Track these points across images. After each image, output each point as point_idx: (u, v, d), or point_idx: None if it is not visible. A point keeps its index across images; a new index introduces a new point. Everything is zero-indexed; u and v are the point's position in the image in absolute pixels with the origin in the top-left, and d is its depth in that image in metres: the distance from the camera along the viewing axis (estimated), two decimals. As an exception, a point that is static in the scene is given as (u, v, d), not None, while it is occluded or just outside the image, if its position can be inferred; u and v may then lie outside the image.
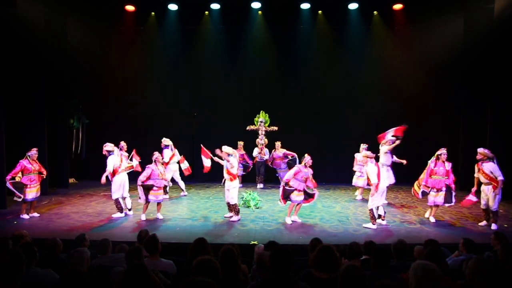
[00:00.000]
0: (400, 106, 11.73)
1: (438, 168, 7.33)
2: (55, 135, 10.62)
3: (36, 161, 7.79)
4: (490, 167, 6.88)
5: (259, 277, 3.72)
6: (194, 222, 7.45)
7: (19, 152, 7.89)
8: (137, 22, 11.89)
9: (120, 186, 7.82)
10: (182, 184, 9.97)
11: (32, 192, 7.60)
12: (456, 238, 6.00)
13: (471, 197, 7.24)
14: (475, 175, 7.20)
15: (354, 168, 9.62)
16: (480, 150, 7.09)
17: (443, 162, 7.36)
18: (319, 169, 10.37)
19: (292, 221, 7.36)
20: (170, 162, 9.55)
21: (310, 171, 7.37)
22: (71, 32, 11.05)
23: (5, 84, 8.65)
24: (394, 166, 9.08)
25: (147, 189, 7.43)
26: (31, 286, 3.25)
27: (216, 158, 8.05)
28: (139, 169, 8.66)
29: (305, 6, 11.52)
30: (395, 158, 8.96)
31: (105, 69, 11.96)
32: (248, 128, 10.89)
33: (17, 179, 7.50)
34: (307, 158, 7.36)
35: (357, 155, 9.54)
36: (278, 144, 10.75)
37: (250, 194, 8.90)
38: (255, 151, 10.96)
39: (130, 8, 11.46)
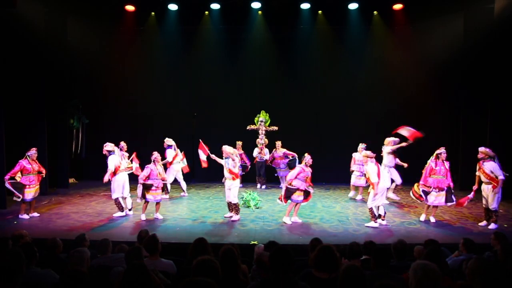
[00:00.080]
0: (400, 106, 11.73)
1: (440, 168, 7.32)
2: (55, 135, 10.62)
3: (36, 161, 7.79)
4: (491, 166, 6.88)
5: (259, 277, 3.72)
6: (194, 222, 7.45)
7: (19, 152, 7.89)
8: (137, 22, 11.89)
9: (120, 185, 7.82)
10: (184, 184, 9.97)
11: (31, 193, 7.60)
12: (456, 238, 6.00)
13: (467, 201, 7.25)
14: (476, 173, 7.20)
15: (353, 168, 9.53)
16: (481, 149, 7.09)
17: (443, 161, 7.36)
18: (319, 169, 10.38)
19: (292, 221, 7.36)
20: (173, 162, 9.55)
21: (309, 171, 7.38)
22: (71, 32, 11.05)
23: (5, 84, 8.65)
24: (396, 167, 9.06)
25: (146, 188, 7.43)
26: (31, 286, 3.25)
27: (213, 156, 8.02)
28: (138, 172, 8.63)
29: (305, 6, 11.51)
30: (397, 160, 8.94)
31: (105, 69, 11.96)
32: (248, 127, 10.89)
33: (17, 179, 7.50)
34: (308, 158, 7.36)
35: (355, 155, 9.49)
36: (278, 143, 10.76)
37: (250, 194, 8.91)
38: (255, 151, 10.96)
39: (130, 8, 11.46)
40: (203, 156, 8.63)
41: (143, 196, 7.42)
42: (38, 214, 7.78)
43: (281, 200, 7.39)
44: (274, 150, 10.83)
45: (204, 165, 8.56)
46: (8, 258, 2.84)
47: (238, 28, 11.91)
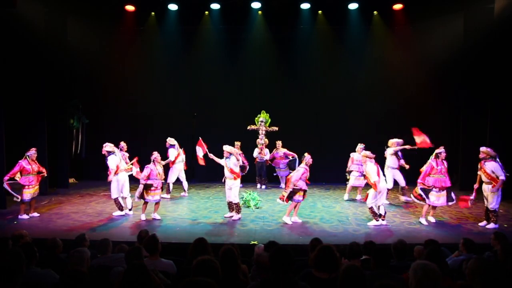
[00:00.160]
0: (400, 106, 11.73)
1: (440, 167, 7.31)
2: (55, 135, 10.62)
3: (35, 161, 7.78)
4: (492, 166, 6.88)
5: (259, 277, 3.72)
6: (194, 222, 7.45)
7: (19, 152, 7.88)
8: (137, 22, 11.89)
9: (119, 185, 7.84)
10: (185, 184, 9.97)
11: (30, 193, 7.59)
12: (456, 238, 6.00)
13: (469, 201, 7.22)
14: (478, 172, 7.20)
15: (351, 168, 9.43)
16: (482, 148, 7.09)
17: (442, 160, 7.36)
18: (319, 169, 10.38)
19: (292, 221, 7.36)
20: (175, 161, 9.54)
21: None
22: (71, 32, 11.05)
23: (5, 84, 8.65)
24: (400, 169, 9.03)
25: (145, 189, 7.42)
26: (31, 286, 3.25)
27: (211, 155, 8.02)
28: (138, 176, 8.63)
29: (305, 6, 11.51)
30: (402, 162, 8.91)
31: (105, 69, 11.96)
32: (248, 127, 10.89)
33: (17, 179, 7.51)
34: (308, 157, 7.37)
35: (353, 155, 9.41)
36: (279, 143, 10.77)
37: (250, 194, 8.91)
38: (255, 152, 10.95)
39: (130, 8, 11.46)
40: (200, 153, 8.67)
41: (142, 196, 7.41)
42: (38, 214, 7.78)
43: (283, 200, 7.36)
44: (274, 149, 10.85)
45: (201, 162, 8.63)
46: (8, 258, 2.83)
47: (238, 28, 11.91)
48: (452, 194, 7.36)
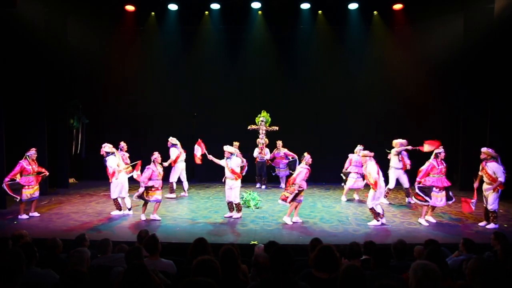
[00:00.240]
0: (400, 106, 11.74)
1: (441, 167, 7.30)
2: (55, 135, 10.62)
3: (35, 161, 7.79)
4: (493, 167, 6.87)
5: (259, 277, 3.72)
6: (194, 222, 7.45)
7: (19, 152, 7.88)
8: (137, 22, 11.88)
9: (119, 186, 7.86)
10: (186, 184, 9.97)
11: (29, 193, 7.58)
12: (456, 238, 6.01)
13: (470, 203, 7.20)
14: (479, 173, 7.20)
15: (349, 170, 9.33)
16: (483, 149, 7.08)
17: (442, 160, 7.36)
18: (319, 169, 10.39)
19: (293, 221, 7.35)
20: (177, 161, 9.54)
21: None
22: (71, 32, 11.05)
23: (5, 84, 8.65)
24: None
25: (146, 189, 7.41)
26: (31, 286, 3.25)
27: (210, 157, 8.04)
28: (139, 179, 8.64)
29: (305, 6, 11.51)
30: (408, 162, 8.89)
31: (105, 69, 11.96)
32: (249, 127, 10.89)
33: (16, 179, 7.51)
34: (308, 157, 7.38)
35: (352, 156, 9.33)
36: (279, 143, 10.78)
37: (250, 194, 8.91)
38: (256, 151, 10.95)
39: (130, 8, 11.46)
40: (198, 153, 8.71)
41: (142, 196, 7.40)
42: (39, 214, 7.77)
43: (286, 202, 7.28)
44: (275, 149, 10.86)
45: (198, 161, 8.79)
46: (8, 258, 2.84)
47: (238, 28, 11.91)
48: (450, 193, 7.37)
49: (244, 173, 10.32)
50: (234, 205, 7.71)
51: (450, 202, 7.42)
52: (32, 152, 7.73)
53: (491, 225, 6.97)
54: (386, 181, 8.80)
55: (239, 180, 7.64)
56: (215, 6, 11.54)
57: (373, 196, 7.09)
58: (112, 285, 3.20)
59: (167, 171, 9.31)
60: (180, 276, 3.69)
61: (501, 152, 7.17)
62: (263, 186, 11.00)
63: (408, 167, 8.91)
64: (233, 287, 3.08)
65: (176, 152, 9.57)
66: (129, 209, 7.99)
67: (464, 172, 10.04)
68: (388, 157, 9.03)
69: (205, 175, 11.58)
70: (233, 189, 7.57)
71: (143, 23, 11.95)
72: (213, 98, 12.15)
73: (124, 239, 5.85)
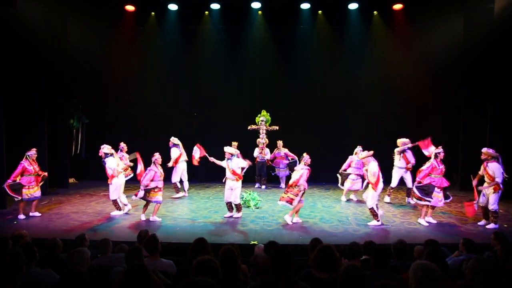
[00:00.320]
0: (400, 106, 11.73)
1: (441, 167, 7.31)
2: (55, 135, 10.62)
3: (35, 161, 7.79)
4: (493, 167, 6.88)
5: (258, 277, 3.71)
6: (194, 222, 7.45)
7: (19, 152, 7.89)
8: (137, 22, 11.88)
9: (118, 187, 7.89)
10: (186, 185, 9.97)
11: (29, 193, 7.58)
12: (456, 238, 6.01)
13: (474, 205, 7.21)
14: (479, 172, 7.20)
15: (349, 171, 9.29)
16: (484, 150, 7.09)
17: (441, 160, 7.37)
18: (319, 169, 10.38)
19: (293, 221, 7.35)
20: (178, 161, 9.54)
21: None
22: (71, 32, 11.04)
23: (5, 84, 8.65)
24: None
25: (148, 191, 7.42)
26: (31, 286, 3.25)
27: (212, 159, 8.07)
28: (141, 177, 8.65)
29: (305, 6, 11.51)
30: (412, 161, 8.87)
31: (105, 69, 11.96)
32: (249, 127, 10.89)
33: (16, 179, 7.51)
34: (307, 157, 7.39)
35: (353, 158, 9.27)
36: (280, 143, 10.79)
37: (250, 194, 8.91)
38: (256, 151, 10.95)
39: (130, 8, 11.45)
40: (196, 155, 8.74)
41: (144, 197, 7.40)
42: (39, 214, 7.77)
43: (292, 204, 7.22)
44: (276, 149, 10.86)
45: (195, 162, 8.94)
46: (8, 258, 2.84)
47: (238, 28, 11.91)
48: (447, 192, 7.40)
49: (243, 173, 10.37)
50: (234, 206, 7.71)
51: (448, 201, 7.44)
52: (33, 152, 7.73)
53: (491, 225, 6.97)
54: (389, 180, 8.83)
55: (240, 181, 7.65)
56: (215, 6, 11.53)
57: (373, 196, 7.09)
58: (112, 285, 3.20)
59: (169, 171, 9.32)
60: (180, 276, 3.69)
61: (501, 152, 7.17)
62: (263, 186, 11.00)
63: (410, 166, 8.90)
64: (233, 287, 3.08)
65: (177, 152, 9.57)
66: (125, 205, 8.02)
67: (464, 172, 10.03)
68: (393, 157, 9.05)
69: (205, 175, 11.58)
70: (234, 190, 7.58)
71: (143, 23, 11.95)
72: (213, 98, 12.15)
73: (124, 239, 5.85)
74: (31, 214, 7.66)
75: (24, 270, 2.94)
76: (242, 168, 7.86)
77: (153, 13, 11.89)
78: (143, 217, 7.51)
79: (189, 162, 9.72)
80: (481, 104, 10.01)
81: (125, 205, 8.04)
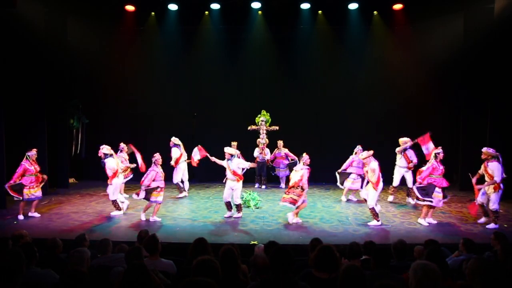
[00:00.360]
0: (400, 106, 11.73)
1: (442, 168, 7.31)
2: (55, 135, 10.62)
3: (36, 161, 7.78)
4: (493, 166, 6.89)
5: (258, 277, 3.71)
6: (194, 222, 7.45)
7: (19, 152, 7.89)
8: (137, 22, 11.87)
9: (118, 187, 7.93)
10: (187, 185, 9.97)
11: (30, 193, 7.58)
12: (456, 238, 6.01)
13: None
14: (479, 171, 7.21)
15: (350, 170, 9.27)
16: (484, 149, 7.11)
17: (440, 161, 7.37)
18: (319, 169, 10.38)
19: (294, 222, 7.34)
20: (179, 161, 9.55)
21: None
22: (71, 32, 11.04)
23: (5, 84, 8.65)
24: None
25: (150, 191, 7.42)
26: (31, 286, 3.25)
27: (213, 158, 8.08)
28: (143, 169, 8.69)
29: (305, 6, 11.50)
30: (414, 161, 8.88)
31: (105, 69, 11.95)
32: (249, 128, 10.89)
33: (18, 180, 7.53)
34: (306, 157, 7.41)
35: (355, 157, 9.22)
36: (280, 143, 10.79)
37: (250, 194, 8.91)
38: (256, 151, 10.95)
39: (130, 8, 11.45)
40: (196, 157, 8.73)
41: (147, 197, 7.40)
42: (39, 215, 7.76)
43: (295, 205, 7.19)
44: (276, 149, 10.86)
45: (194, 164, 8.97)
46: (8, 258, 2.84)
47: (238, 28, 11.90)
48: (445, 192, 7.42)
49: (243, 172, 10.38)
50: (234, 205, 7.72)
51: (445, 200, 7.45)
52: (33, 152, 7.72)
53: (491, 225, 6.97)
54: (389, 180, 8.83)
55: (241, 182, 7.65)
56: (215, 6, 11.53)
57: (373, 195, 7.10)
58: (112, 285, 3.20)
59: (169, 172, 9.31)
60: (180, 276, 3.69)
61: (501, 152, 7.17)
62: (263, 186, 11.00)
63: (412, 165, 8.89)
64: (233, 287, 3.08)
65: (178, 152, 9.57)
66: (122, 202, 8.08)
67: (464, 172, 9.99)
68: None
69: (205, 175, 11.58)
70: (234, 190, 7.58)
71: (143, 23, 11.94)
72: (213, 98, 12.14)
73: (124, 239, 5.85)
74: (30, 214, 7.65)
75: (24, 270, 2.94)
76: (243, 168, 7.89)
77: (153, 13, 11.89)
78: (143, 217, 7.51)
79: (189, 162, 9.73)
80: (481, 104, 10.01)
81: (122, 202, 8.07)
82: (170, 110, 12.10)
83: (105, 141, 8.16)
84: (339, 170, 9.43)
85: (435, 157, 7.34)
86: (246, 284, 3.11)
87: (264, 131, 10.85)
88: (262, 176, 11.02)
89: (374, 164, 7.09)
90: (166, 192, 9.20)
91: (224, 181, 7.80)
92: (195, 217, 7.77)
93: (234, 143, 10.24)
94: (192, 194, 10.08)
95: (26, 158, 7.62)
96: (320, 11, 11.81)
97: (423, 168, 7.42)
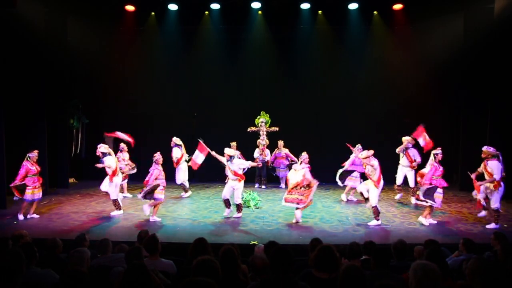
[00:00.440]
0: (400, 106, 11.73)
1: (442, 168, 7.31)
2: (55, 135, 10.61)
3: (36, 162, 7.77)
4: (492, 165, 6.89)
5: (258, 277, 3.71)
6: (194, 222, 7.45)
7: (19, 152, 7.88)
8: (137, 22, 11.87)
9: (118, 186, 7.94)
10: (186, 184, 9.97)
11: (32, 193, 7.56)
12: (456, 238, 6.02)
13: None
14: (479, 169, 7.22)
15: (352, 168, 9.25)
16: (484, 148, 7.12)
17: (439, 161, 7.37)
18: (319, 169, 10.33)
19: (294, 221, 7.35)
20: (180, 162, 9.54)
21: None
22: (71, 32, 11.03)
23: (5, 84, 8.65)
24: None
25: (152, 191, 7.42)
26: (31, 286, 3.25)
27: (214, 153, 8.10)
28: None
29: (305, 6, 11.50)
30: (418, 160, 8.87)
31: (105, 69, 11.94)
32: (249, 129, 10.89)
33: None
34: (305, 156, 7.45)
35: (355, 156, 9.26)
36: (280, 143, 10.79)
37: (250, 194, 8.90)
38: (256, 152, 10.95)
39: (130, 8, 11.45)
40: (200, 159, 8.64)
41: (151, 196, 7.40)
42: (38, 216, 7.72)
43: (299, 204, 7.21)
44: (276, 149, 10.86)
45: (195, 167, 8.79)
46: (8, 258, 2.84)
47: (238, 28, 11.90)
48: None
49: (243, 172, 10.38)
50: (234, 205, 7.72)
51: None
52: (34, 154, 7.69)
53: (492, 225, 6.97)
54: (389, 180, 8.83)
55: (242, 182, 7.66)
56: (215, 6, 11.53)
57: (375, 194, 7.11)
58: (112, 285, 3.20)
59: (170, 172, 9.30)
60: (180, 276, 3.69)
61: (501, 152, 7.17)
62: (263, 186, 11.00)
63: (415, 164, 8.88)
64: (233, 287, 3.08)
65: (179, 153, 9.58)
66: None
67: (464, 172, 10.01)
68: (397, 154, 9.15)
69: (205, 175, 11.57)
70: (236, 189, 7.59)
71: (143, 23, 11.94)
72: (213, 98, 12.14)
73: (124, 239, 5.84)
74: (29, 216, 7.61)
75: (24, 270, 2.94)
76: (244, 168, 7.90)
77: (153, 13, 11.89)
78: (147, 211, 7.42)
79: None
80: (481, 104, 10.00)
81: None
82: (170, 110, 12.10)
83: (104, 141, 8.15)
84: (342, 170, 9.40)
85: (434, 158, 7.34)
86: (246, 284, 3.11)
87: (264, 132, 10.85)
88: (262, 176, 11.03)
89: (374, 162, 7.10)
90: (166, 192, 9.19)
91: (226, 181, 7.81)
92: (195, 217, 7.77)
93: (233, 144, 10.23)
94: (192, 194, 10.07)
95: (27, 159, 7.60)
96: (320, 11, 11.81)
97: (425, 171, 7.38)
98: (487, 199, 7.27)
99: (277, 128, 10.86)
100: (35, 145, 8.12)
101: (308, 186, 7.23)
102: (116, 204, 7.92)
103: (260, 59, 12.11)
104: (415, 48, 11.55)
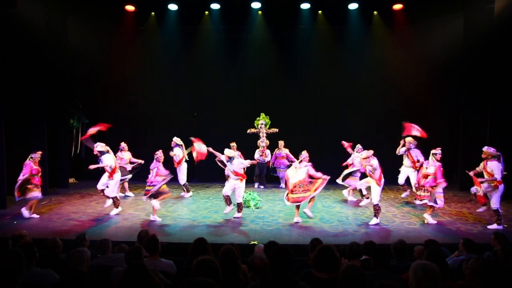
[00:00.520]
0: (400, 106, 11.72)
1: (442, 168, 7.33)
2: (55, 135, 10.62)
3: (37, 163, 7.77)
4: (492, 165, 6.88)
5: (258, 277, 3.71)
6: (194, 222, 7.45)
7: (19, 152, 7.89)
8: (137, 22, 11.88)
9: (117, 184, 7.95)
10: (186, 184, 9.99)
11: (36, 192, 7.57)
12: (456, 238, 6.02)
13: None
14: (477, 168, 7.21)
15: (354, 168, 9.31)
16: (484, 149, 7.10)
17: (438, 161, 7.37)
18: (319, 169, 10.30)
19: (295, 221, 7.35)
20: (181, 162, 9.55)
21: None
22: (71, 32, 11.03)
23: (5, 84, 8.65)
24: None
25: (157, 196, 7.45)
26: (31, 286, 3.25)
27: (210, 149, 8.17)
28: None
29: (305, 6, 11.51)
30: (421, 160, 8.87)
31: (105, 69, 11.94)
32: (249, 131, 10.90)
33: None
34: (305, 155, 7.48)
35: (355, 155, 9.28)
36: (281, 143, 10.79)
37: (250, 194, 8.89)
38: (257, 154, 10.95)
39: (130, 8, 11.45)
40: (203, 148, 8.56)
41: (156, 195, 7.42)
42: (38, 215, 7.73)
43: (300, 202, 7.32)
44: (276, 149, 10.85)
45: (203, 157, 8.52)
46: (8, 258, 2.83)
47: (238, 28, 11.91)
48: None
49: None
50: (236, 204, 7.72)
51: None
52: (37, 155, 7.67)
53: (494, 226, 6.93)
54: (389, 180, 8.85)
55: (244, 181, 7.67)
56: (215, 6, 11.53)
57: (377, 191, 7.12)
58: (112, 285, 3.20)
59: (170, 172, 9.29)
60: (180, 276, 3.69)
61: (501, 152, 7.17)
62: (262, 186, 11.00)
63: (418, 165, 8.87)
64: (233, 287, 3.07)
65: (181, 152, 9.59)
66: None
67: (464, 172, 10.02)
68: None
69: (205, 175, 11.58)
70: (237, 188, 7.61)
71: (143, 23, 11.94)
72: (213, 98, 12.15)
73: (124, 239, 5.84)
74: (29, 216, 7.59)
75: (24, 270, 2.94)
76: (244, 168, 7.91)
77: (153, 13, 11.89)
78: (157, 206, 7.46)
79: (191, 161, 9.74)
80: (481, 104, 10.00)
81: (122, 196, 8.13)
82: (170, 110, 12.10)
83: (105, 141, 8.15)
84: (347, 171, 9.35)
85: (434, 157, 7.35)
86: (246, 284, 3.11)
87: (264, 134, 10.85)
88: (262, 176, 11.02)
89: (374, 162, 7.11)
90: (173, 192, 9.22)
91: (227, 180, 7.82)
92: (195, 217, 7.77)
93: (233, 144, 10.23)
94: (192, 194, 10.07)
95: (29, 159, 7.59)
96: (320, 11, 11.82)
97: (429, 171, 7.35)
98: (487, 198, 7.27)
99: (276, 130, 10.87)
100: (35, 145, 8.14)
101: (310, 182, 7.32)
102: (115, 201, 7.90)
103: (260, 59, 12.11)
104: (415, 48, 11.55)
